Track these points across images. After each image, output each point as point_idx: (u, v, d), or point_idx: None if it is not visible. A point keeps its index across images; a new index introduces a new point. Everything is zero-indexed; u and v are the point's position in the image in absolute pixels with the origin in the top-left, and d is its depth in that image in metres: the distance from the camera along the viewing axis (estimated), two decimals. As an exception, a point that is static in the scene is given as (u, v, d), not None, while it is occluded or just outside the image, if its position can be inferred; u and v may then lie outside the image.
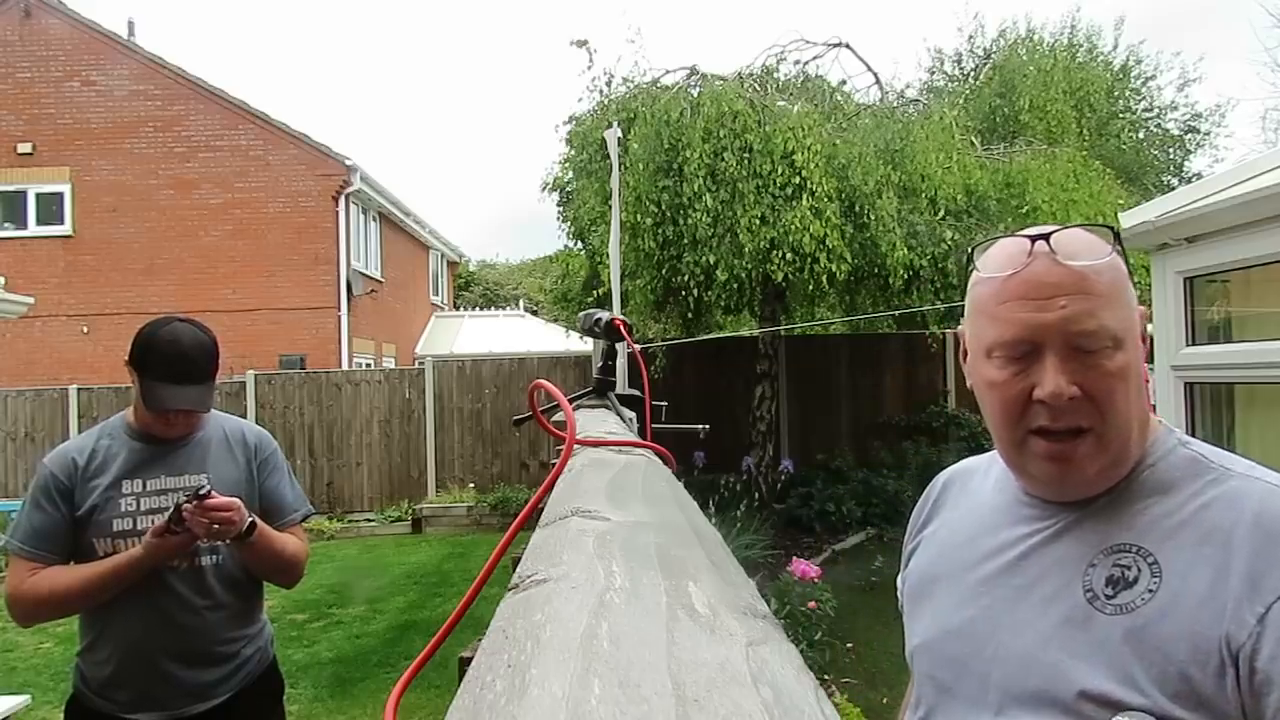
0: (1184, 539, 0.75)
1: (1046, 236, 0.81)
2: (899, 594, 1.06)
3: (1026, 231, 0.83)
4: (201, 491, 1.70)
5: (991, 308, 0.83)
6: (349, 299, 12.82)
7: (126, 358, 1.87)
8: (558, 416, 0.96)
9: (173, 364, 1.82)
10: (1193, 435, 3.24)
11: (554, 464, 0.80)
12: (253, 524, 1.82)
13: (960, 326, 0.93)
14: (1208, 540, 0.73)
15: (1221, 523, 0.74)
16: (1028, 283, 0.80)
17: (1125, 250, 0.84)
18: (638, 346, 1.37)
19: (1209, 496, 0.76)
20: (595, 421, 1.21)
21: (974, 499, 0.97)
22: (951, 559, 0.94)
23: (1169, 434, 0.84)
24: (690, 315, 8.61)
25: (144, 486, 1.88)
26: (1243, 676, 0.68)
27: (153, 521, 1.83)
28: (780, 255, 6.67)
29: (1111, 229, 0.84)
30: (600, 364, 1.45)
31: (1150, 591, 0.73)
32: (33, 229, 12.56)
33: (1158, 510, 0.78)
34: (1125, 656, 0.72)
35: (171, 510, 1.74)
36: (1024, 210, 7.11)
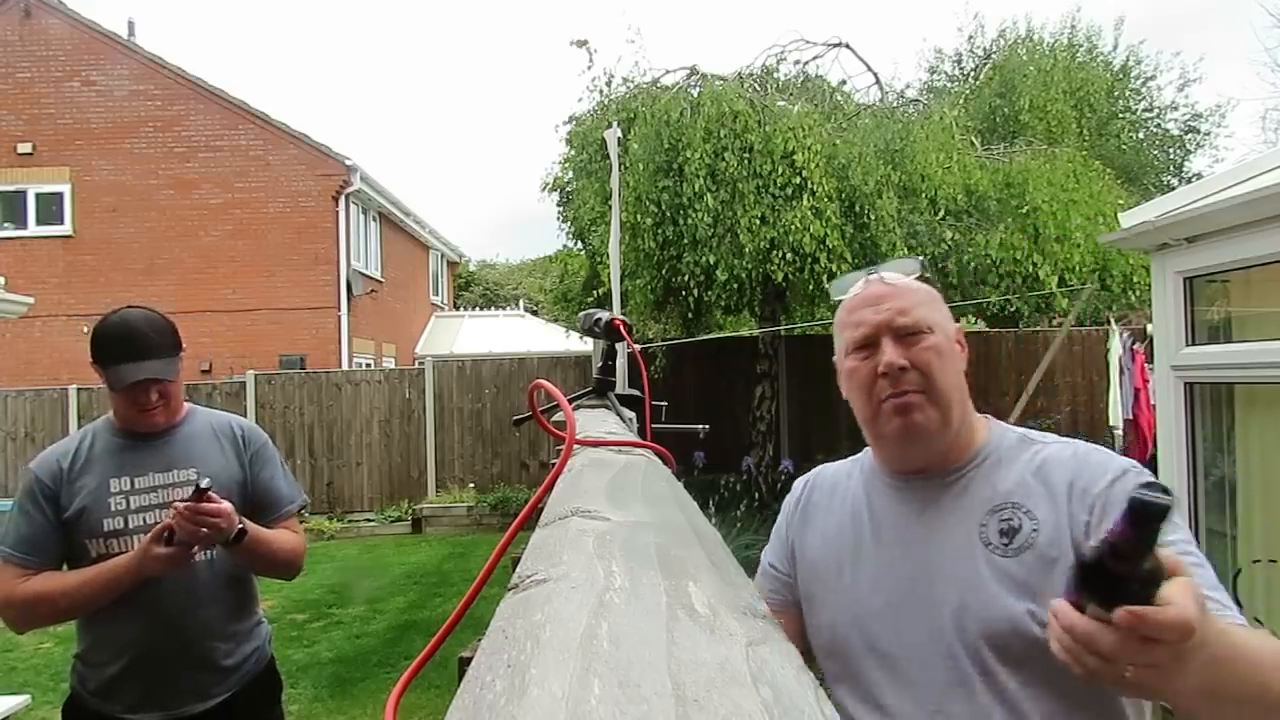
0: (1036, 490, 1.05)
1: (872, 270, 1.15)
2: (778, 575, 1.25)
3: (860, 272, 1.18)
4: (203, 485, 1.67)
5: (845, 318, 1.15)
6: (349, 299, 12.82)
7: (90, 360, 1.85)
8: (558, 416, 0.96)
9: (126, 342, 1.81)
10: (1193, 435, 3.23)
11: (554, 464, 0.80)
12: (241, 531, 1.78)
13: (835, 357, 1.20)
14: (1049, 488, 1.05)
15: (1054, 477, 1.05)
16: (865, 297, 1.13)
17: (935, 286, 1.16)
18: (638, 346, 1.37)
19: (1039, 460, 1.08)
20: (595, 421, 1.21)
21: (847, 494, 1.20)
22: (840, 548, 1.16)
23: (1000, 425, 1.15)
24: (690, 315, 8.60)
25: (133, 485, 1.85)
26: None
27: (144, 520, 1.82)
28: (780, 255, 6.67)
29: (922, 264, 1.15)
30: (600, 364, 1.45)
31: (1035, 531, 1.02)
32: (33, 229, 12.56)
33: (1012, 476, 1.07)
34: (1034, 579, 0.99)
35: (172, 512, 1.69)
36: (1024, 210, 7.09)
